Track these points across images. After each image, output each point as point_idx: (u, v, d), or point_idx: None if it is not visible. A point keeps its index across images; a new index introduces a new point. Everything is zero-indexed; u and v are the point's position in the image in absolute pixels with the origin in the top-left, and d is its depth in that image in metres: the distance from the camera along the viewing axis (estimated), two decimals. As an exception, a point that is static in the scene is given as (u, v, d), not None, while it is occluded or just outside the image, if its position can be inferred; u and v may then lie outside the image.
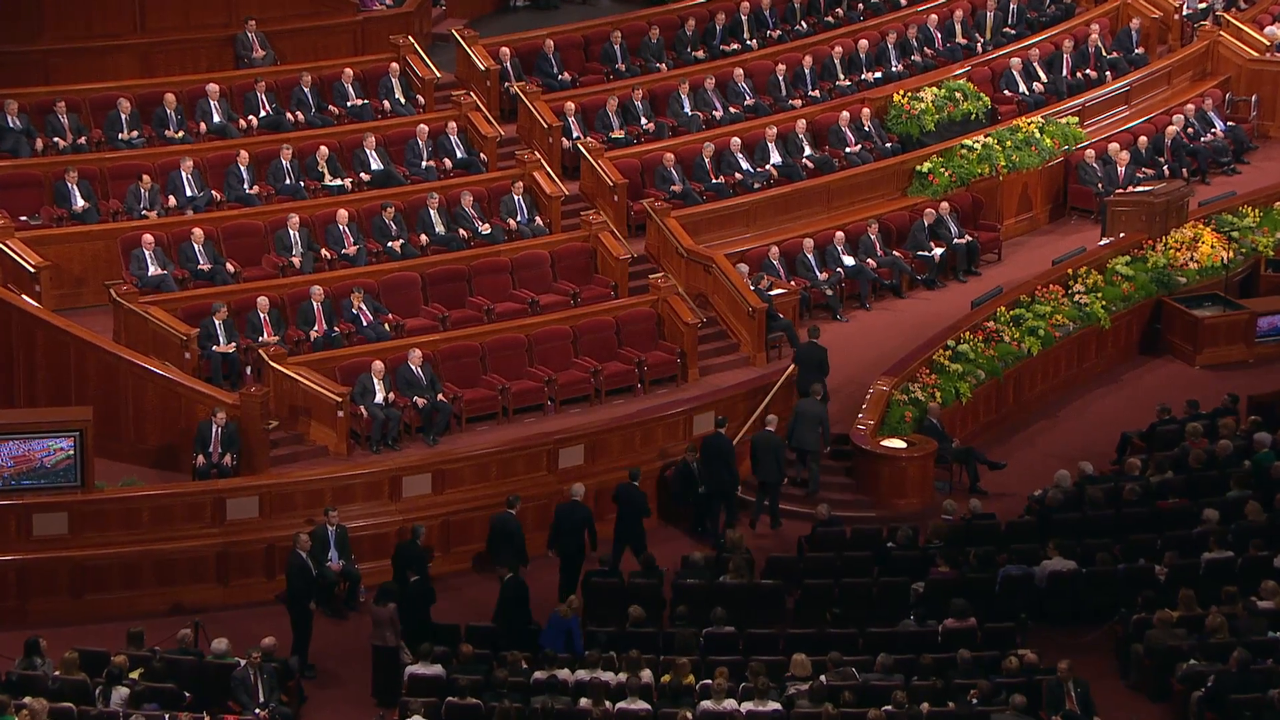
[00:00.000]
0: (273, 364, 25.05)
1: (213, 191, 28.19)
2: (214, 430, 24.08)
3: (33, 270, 26.01)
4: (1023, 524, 23.73)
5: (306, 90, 30.04)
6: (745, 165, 30.10)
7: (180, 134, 29.05)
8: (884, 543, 23.31)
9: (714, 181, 29.82)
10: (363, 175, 28.97)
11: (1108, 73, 33.28)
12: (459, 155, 29.64)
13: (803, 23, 33.62)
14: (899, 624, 21.78)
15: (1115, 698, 21.06)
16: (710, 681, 20.05)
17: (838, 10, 33.95)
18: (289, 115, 29.81)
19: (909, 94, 31.41)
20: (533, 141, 30.10)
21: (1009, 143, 30.84)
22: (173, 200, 27.85)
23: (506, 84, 30.98)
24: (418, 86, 30.73)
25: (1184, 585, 21.82)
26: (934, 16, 33.48)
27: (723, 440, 24.32)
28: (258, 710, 20.12)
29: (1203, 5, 34.93)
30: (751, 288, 27.45)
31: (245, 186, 28.29)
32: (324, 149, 28.84)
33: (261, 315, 25.94)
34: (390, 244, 27.81)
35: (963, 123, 31.38)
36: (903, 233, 29.57)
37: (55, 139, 28.62)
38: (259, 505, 23.31)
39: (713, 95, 31.32)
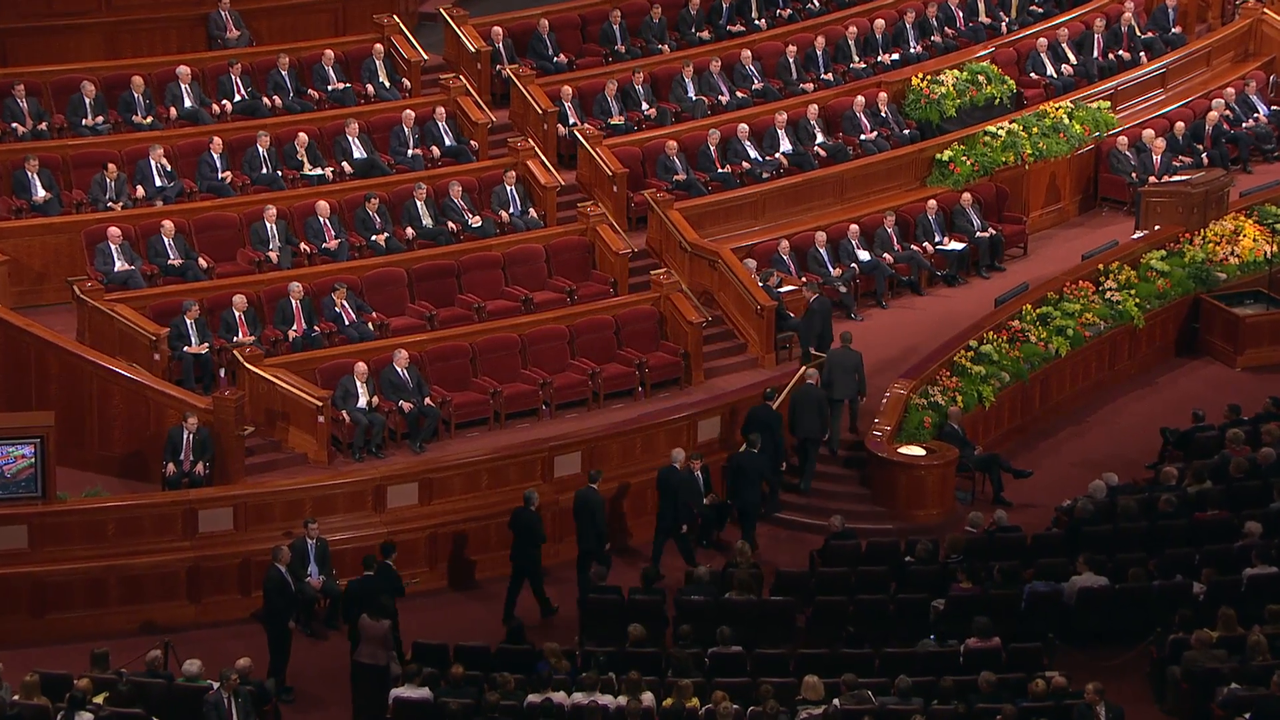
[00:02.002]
0: (248, 366, 25.06)
1: (184, 182, 28.20)
2: (185, 437, 24.09)
3: (-9, 265, 26.10)
4: (1050, 537, 23.73)
5: (284, 73, 30.05)
6: (753, 153, 30.11)
7: (149, 120, 29.06)
8: (902, 557, 23.32)
9: (720, 171, 29.83)
10: (344, 164, 28.98)
11: (1142, 54, 33.29)
12: (447, 143, 29.65)
13: (815, 1, 33.64)
14: (918, 644, 21.78)
15: (1149, 724, 21.15)
16: (714, 705, 20.05)
17: (852, -13, 34.03)
18: (265, 100, 29.82)
19: (928, 77, 31.42)
20: (526, 128, 30.11)
21: (1036, 129, 30.85)
22: (141, 191, 27.86)
23: (498, 66, 31.00)
24: (403, 69, 30.74)
25: (1224, 603, 21.81)
26: (955, -6, 33.59)
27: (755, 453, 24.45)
28: (231, 736, 20.15)
29: (1245, -19, 35.00)
30: (760, 284, 27.46)
31: (219, 176, 28.30)
32: (303, 136, 28.86)
33: (236, 314, 25.95)
34: (374, 238, 27.83)
35: (986, 108, 31.39)
36: (926, 227, 29.58)
37: (14, 125, 28.63)
38: (233, 517, 23.32)
39: (719, 79, 31.33)
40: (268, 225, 27.36)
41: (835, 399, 25.69)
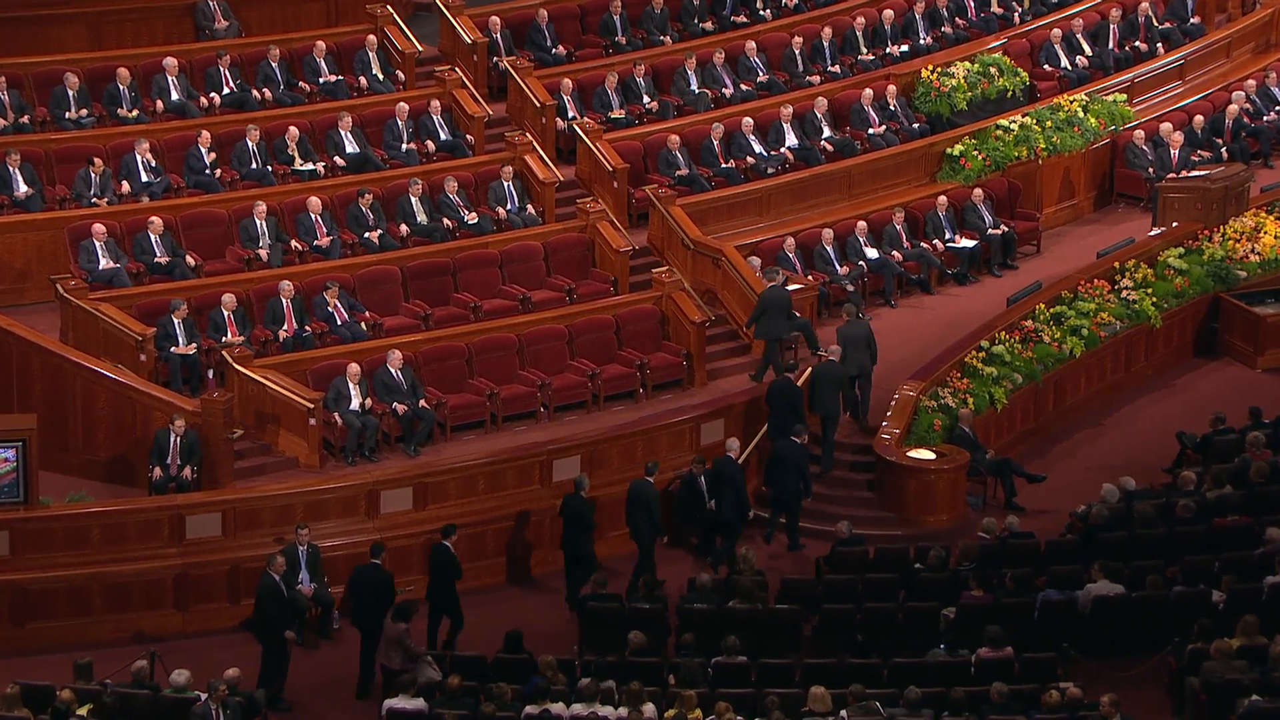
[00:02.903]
0: (237, 367, 25.05)
1: (170, 177, 28.19)
2: (172, 440, 24.08)
3: (-29, 263, 26.13)
4: (1064, 543, 23.72)
5: (275, 65, 30.03)
6: (758, 148, 30.10)
7: (134, 113, 29.06)
8: (911, 564, 23.30)
9: (723, 166, 29.82)
10: (337, 159, 28.97)
11: (1159, 45, 33.29)
12: (443, 137, 29.64)
13: (821, -9, 33.69)
14: (928, 654, 21.76)
15: (1167, 736, 21.13)
16: (718, 717, 20.03)
17: (860, -24, 34.02)
18: (255, 93, 29.81)
19: (939, 69, 31.42)
20: (524, 122, 30.10)
21: (1049, 123, 30.84)
22: (126, 186, 27.85)
23: (495, 58, 31.00)
24: (397, 61, 30.73)
25: (1244, 612, 21.79)
26: (966, -17, 33.59)
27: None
28: (220, 749, 20.16)
29: (1265, -30, 35.00)
30: (765, 283, 27.43)
31: (207, 171, 28.29)
32: (294, 130, 28.85)
33: (225, 313, 25.94)
34: (367, 235, 27.82)
35: (998, 101, 31.39)
36: (936, 224, 29.57)
37: (-4, 118, 28.71)
38: (222, 523, 23.30)
39: (722, 71, 31.32)
40: (257, 222, 27.35)
41: (852, 375, 25.85)
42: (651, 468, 23.98)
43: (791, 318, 26.27)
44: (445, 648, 22.27)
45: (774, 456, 24.75)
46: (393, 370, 25.39)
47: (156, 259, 26.89)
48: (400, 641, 21.24)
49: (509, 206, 28.66)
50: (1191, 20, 33.80)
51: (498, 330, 26.52)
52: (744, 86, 31.33)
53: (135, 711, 20.40)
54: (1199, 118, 31.75)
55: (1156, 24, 33.51)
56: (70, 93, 28.88)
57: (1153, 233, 29.86)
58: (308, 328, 26.23)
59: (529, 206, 28.74)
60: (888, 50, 32.48)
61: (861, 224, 29.09)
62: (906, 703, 20.47)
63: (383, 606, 21.80)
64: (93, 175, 27.66)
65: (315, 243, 27.59)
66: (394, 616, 21.37)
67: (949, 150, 30.42)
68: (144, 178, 27.97)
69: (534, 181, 28.91)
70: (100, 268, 26.50)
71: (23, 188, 27.56)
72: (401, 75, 30.60)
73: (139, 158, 27.96)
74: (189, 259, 27.07)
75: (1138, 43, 33.19)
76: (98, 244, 26.58)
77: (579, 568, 23.41)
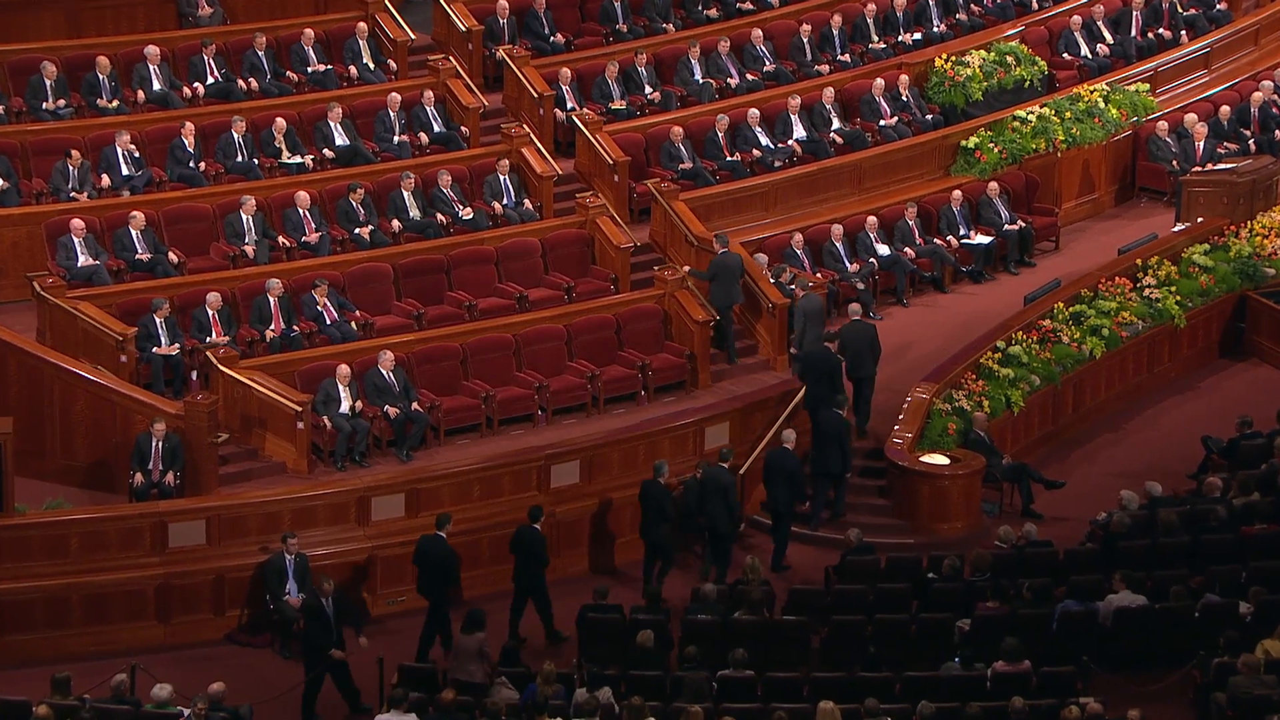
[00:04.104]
0: (222, 368, 25.04)
1: (152, 170, 28.19)
2: (154, 445, 24.07)
3: (-56, 260, 26.14)
4: (1084, 552, 23.73)
5: (261, 54, 30.04)
6: (764, 140, 30.10)
7: (115, 103, 29.05)
8: (924, 573, 23.31)
9: (728, 159, 29.82)
10: (326, 152, 28.97)
11: (1184, 32, 33.28)
12: (436, 129, 29.64)
13: (831, -24, 33.70)
14: (942, 667, 21.77)
15: (1192, 753, 21.14)
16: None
17: (871, -40, 34.02)
18: (240, 83, 29.81)
19: (953, 58, 31.42)
20: (521, 113, 30.10)
21: (1068, 114, 30.85)
22: (106, 180, 27.85)
23: (492, 46, 30.98)
24: (389, 49, 30.73)
25: (1273, 624, 21.78)
26: (982, -32, 33.60)
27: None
28: (202, 766, 20.15)
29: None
30: (771, 281, 27.45)
31: (190, 164, 28.29)
32: (281, 121, 28.84)
33: (209, 312, 25.94)
34: (358, 231, 27.81)
35: (1015, 91, 31.40)
36: (950, 219, 29.56)
37: (-30, 109, 28.71)
38: (206, 531, 23.30)
39: (727, 60, 31.32)
40: (243, 217, 27.35)
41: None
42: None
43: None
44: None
45: (815, 429, 24.96)
46: (384, 372, 25.39)
47: (138, 256, 26.89)
48: (481, 652, 21.24)
49: (505, 201, 28.66)
50: (1218, 6, 33.78)
51: (493, 330, 26.52)
52: (750, 76, 31.33)
53: (115, 727, 20.42)
54: (1225, 108, 31.74)
55: (1181, 10, 33.50)
56: (47, 82, 28.86)
57: (1176, 228, 29.87)
58: (296, 327, 26.22)
59: (526, 201, 28.74)
60: (900, 38, 32.48)
61: (872, 219, 29.08)
62: (919, 718, 20.47)
63: (445, 582, 22.40)
64: (71, 168, 27.65)
65: (303, 239, 27.58)
66: (466, 628, 21.41)
67: (964, 143, 30.42)
68: (125, 171, 27.96)
69: (531, 175, 28.90)
70: (79, 265, 26.50)
71: (-2, 181, 27.59)
72: (393, 64, 30.60)
73: (119, 150, 27.95)
74: (172, 256, 27.06)
75: (1161, 30, 33.17)
76: (76, 240, 26.57)
77: (654, 555, 23.79)
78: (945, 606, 22.64)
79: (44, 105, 28.82)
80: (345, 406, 25.13)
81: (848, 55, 32.06)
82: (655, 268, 27.68)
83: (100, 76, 29.08)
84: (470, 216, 28.36)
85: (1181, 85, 32.55)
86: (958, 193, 29.65)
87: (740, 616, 22.38)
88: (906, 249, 29.09)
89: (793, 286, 27.23)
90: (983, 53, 31.55)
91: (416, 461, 25.09)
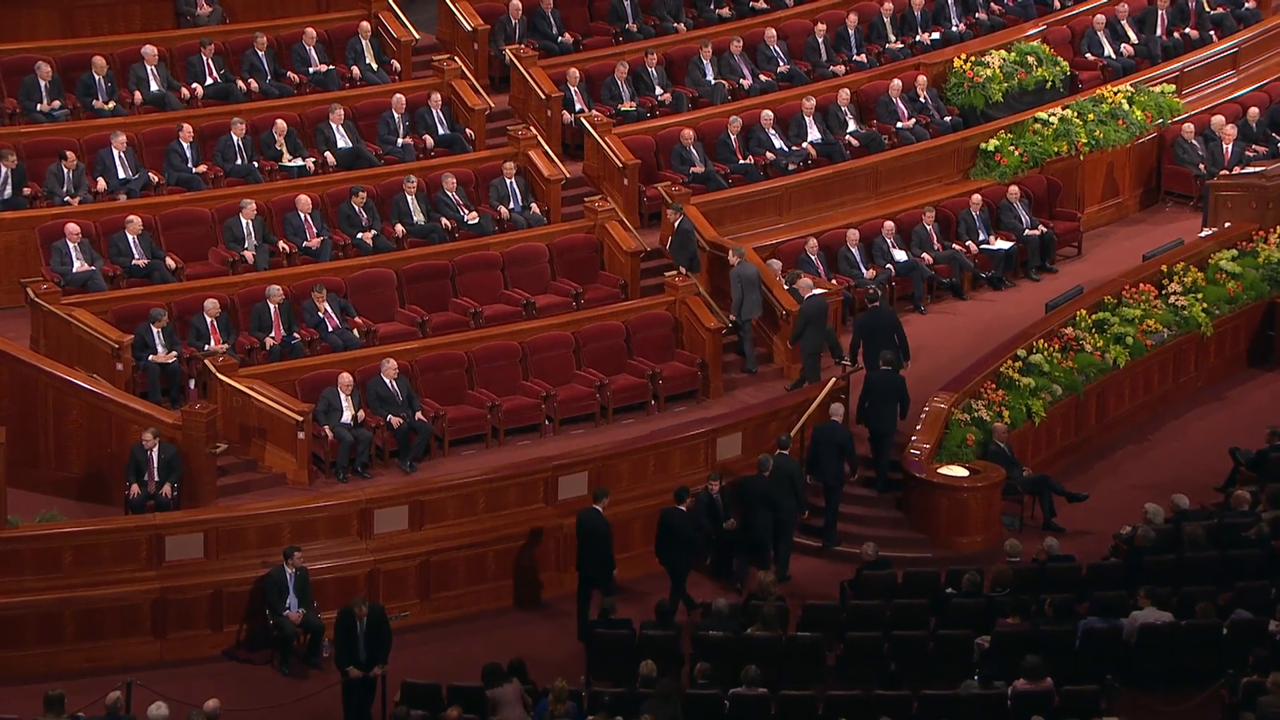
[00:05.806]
0: (221, 377, 25.04)
1: (150, 173, 28.21)
2: (150, 455, 24.07)
3: (-65, 266, 26.17)
4: (1108, 567, 23.68)
5: (261, 54, 30.07)
6: (778, 143, 30.11)
7: (111, 105, 29.08)
8: (942, 589, 23.27)
9: (741, 162, 29.82)
10: (328, 155, 28.99)
11: (1211, 31, 33.27)
12: (441, 131, 29.66)
13: (847, -25, 33.70)
14: (961, 685, 21.72)
15: (1219, 775, 21.08)
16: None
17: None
18: (240, 83, 29.84)
19: (972, 58, 31.41)
20: (528, 115, 30.12)
21: (1091, 116, 30.83)
22: (102, 183, 27.87)
23: (499, 46, 30.99)
24: (392, 50, 30.76)
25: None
26: (1002, -34, 33.61)
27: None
28: (200, 787, 20.14)
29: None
30: (786, 287, 27.43)
31: (188, 167, 28.31)
32: (281, 123, 28.87)
33: (208, 319, 25.95)
34: (360, 235, 27.83)
35: (1036, 92, 31.40)
36: (969, 224, 29.55)
37: (-37, 111, 28.75)
38: (204, 544, 23.28)
39: (740, 60, 31.33)
40: (243, 222, 27.36)
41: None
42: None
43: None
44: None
45: (868, 387, 25.44)
46: (387, 380, 25.38)
47: (134, 261, 26.89)
48: (520, 699, 20.85)
49: (512, 205, 28.67)
50: (1246, 5, 33.75)
51: (499, 338, 26.53)
52: (763, 77, 31.33)
53: (109, 746, 20.40)
54: (1254, 110, 31.73)
55: (1208, 9, 33.49)
56: (42, 83, 28.90)
57: (1203, 234, 29.83)
58: (296, 335, 26.23)
59: (533, 205, 28.75)
60: (917, 38, 32.48)
61: (889, 224, 29.07)
62: (938, 738, 20.46)
63: (603, 556, 23.15)
64: (66, 171, 27.66)
65: (304, 244, 27.59)
66: (488, 680, 20.82)
67: (983, 145, 30.42)
68: (121, 174, 27.98)
69: (538, 179, 28.91)
70: (74, 270, 26.51)
71: (-9, 185, 27.62)
72: (397, 65, 30.63)
73: (116, 152, 27.97)
74: (169, 261, 27.07)
75: (1187, 29, 33.16)
76: (71, 245, 26.58)
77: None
78: (964, 623, 22.59)
79: (38, 106, 28.87)
80: (347, 416, 25.13)
81: (864, 55, 32.06)
82: (666, 274, 27.67)
83: (96, 77, 29.11)
84: (476, 221, 28.37)
85: (1208, 86, 32.53)
86: (977, 197, 29.63)
87: (753, 632, 22.35)
88: (924, 254, 29.07)
89: (797, 287, 27.20)
90: (1003, 53, 31.54)
91: (420, 473, 25.10)
